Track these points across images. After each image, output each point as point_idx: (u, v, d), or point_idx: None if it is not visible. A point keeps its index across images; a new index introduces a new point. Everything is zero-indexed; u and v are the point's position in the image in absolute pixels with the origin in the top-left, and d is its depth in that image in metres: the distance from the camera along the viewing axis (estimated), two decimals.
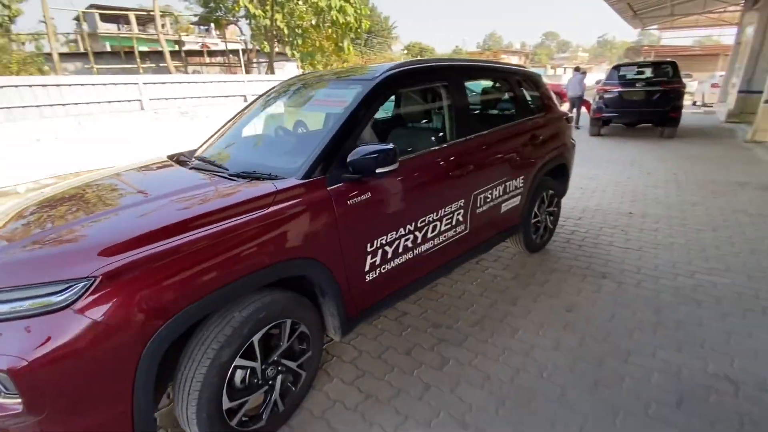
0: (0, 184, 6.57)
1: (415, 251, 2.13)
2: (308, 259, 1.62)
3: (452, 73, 2.38)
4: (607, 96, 8.75)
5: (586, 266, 3.08)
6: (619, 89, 8.58)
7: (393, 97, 2.96)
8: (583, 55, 77.49)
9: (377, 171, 1.70)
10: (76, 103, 7.66)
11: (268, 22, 12.35)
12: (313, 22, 12.88)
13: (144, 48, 22.32)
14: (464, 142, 2.35)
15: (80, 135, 7.50)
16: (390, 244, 1.96)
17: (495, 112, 3.28)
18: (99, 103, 7.97)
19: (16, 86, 6.98)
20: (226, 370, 1.44)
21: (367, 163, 1.69)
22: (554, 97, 3.47)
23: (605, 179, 5.58)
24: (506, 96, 3.14)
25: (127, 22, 27.37)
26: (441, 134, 2.42)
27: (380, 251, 1.92)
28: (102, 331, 1.17)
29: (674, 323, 2.33)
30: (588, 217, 4.16)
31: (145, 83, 8.55)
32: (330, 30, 13.18)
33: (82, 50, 18.49)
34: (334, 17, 12.23)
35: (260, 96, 2.68)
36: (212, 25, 22.39)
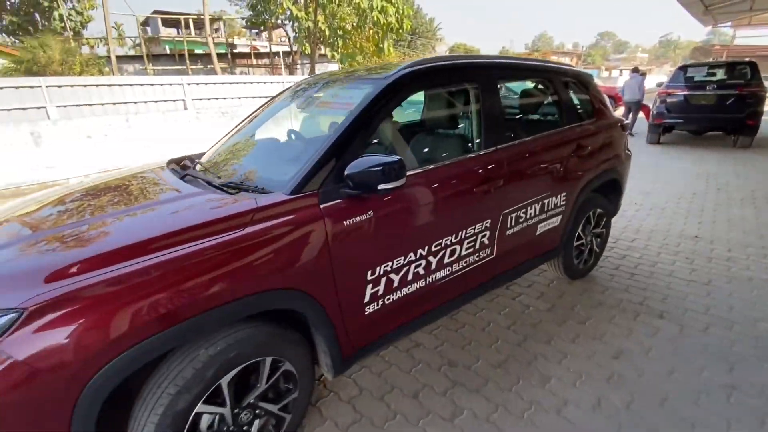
0: (54, 177, 7.01)
1: (427, 279, 1.83)
2: (291, 290, 1.37)
3: (483, 73, 2.05)
4: (670, 100, 7.87)
5: (639, 301, 2.61)
6: (686, 92, 7.68)
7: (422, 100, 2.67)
8: (643, 55, 72.48)
9: (379, 188, 1.43)
10: (125, 102, 8.04)
11: (310, 24, 12.45)
12: (355, 23, 12.83)
13: (199, 51, 23.56)
14: (494, 152, 2.01)
15: (128, 132, 7.85)
16: (396, 271, 1.68)
17: (535, 117, 2.88)
18: (146, 102, 8.32)
19: (71, 86, 7.42)
20: (184, 420, 1.22)
21: (367, 178, 1.43)
22: (607, 101, 3.02)
23: (665, 194, 4.92)
24: (549, 99, 2.74)
25: (186, 26, 29.04)
26: (467, 143, 2.10)
27: (384, 279, 1.64)
28: (27, 373, 0.99)
29: (756, 388, 1.85)
30: (643, 239, 3.62)
31: (188, 84, 8.84)
32: (371, 31, 13.06)
33: (145, 53, 19.88)
34: (375, 18, 12.08)
35: (274, 96, 2.50)
36: (262, 28, 23.19)
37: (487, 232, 2.02)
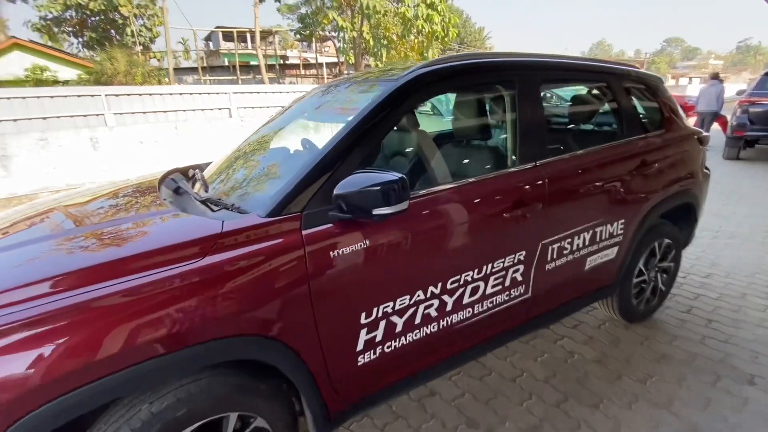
0: (108, 180, 7.44)
1: (441, 323, 1.49)
2: (257, 337, 1.11)
3: (521, 74, 1.70)
4: (754, 110, 6.86)
5: (719, 358, 2.07)
6: None
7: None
8: (716, 62, 66.32)
9: (374, 213, 1.14)
10: (175, 111, 8.42)
11: (355, 34, 12.54)
12: (399, 32, 12.75)
13: (254, 62, 24.86)
14: (533, 169, 1.65)
15: (176, 139, 8.20)
16: (400, 312, 1.37)
17: (587, 128, 2.45)
18: (194, 111, 8.67)
19: (128, 95, 7.89)
20: None
21: (361, 200, 1.14)
22: (680, 108, 2.52)
23: (748, 220, 4.16)
24: (606, 106, 2.31)
25: (244, 40, 30.81)
26: (498, 157, 1.75)
27: (383, 323, 1.34)
28: None
29: None
30: (720, 275, 3.00)
31: (234, 93, 9.11)
32: (416, 40, 12.90)
33: (206, 65, 21.33)
34: (420, 26, 11.90)
35: (294, 101, 2.30)
36: (313, 39, 23.98)
37: (521, 267, 1.65)
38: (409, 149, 2.02)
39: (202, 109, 8.75)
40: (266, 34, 25.70)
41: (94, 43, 17.20)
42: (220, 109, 8.97)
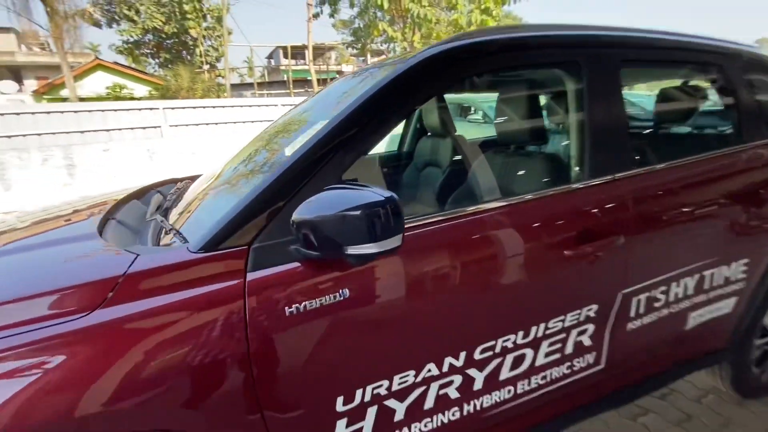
0: None
1: (466, 407, 1.03)
2: None
3: (590, 52, 1.20)
4: None
5: None
6: None
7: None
8: None
9: (349, 252, 0.73)
10: (225, 123, 8.71)
11: (406, 45, 12.33)
12: None
13: (311, 77, 25.94)
14: (610, 184, 1.14)
15: (227, 149, 8.44)
16: (399, 394, 0.93)
17: (685, 129, 1.85)
18: (244, 122, 8.92)
19: (183, 108, 8.28)
20: None
21: (329, 231, 0.74)
22: None
23: None
24: (712, 101, 1.71)
25: (303, 57, 32.33)
26: (557, 169, 1.25)
27: (373, 410, 0.91)
28: None
29: None
30: None
31: (283, 105, 9.25)
32: None
33: (266, 80, 22.59)
34: None
35: (304, 101, 2.00)
36: (368, 55, 24.42)
37: (590, 326, 1.14)
38: (435, 159, 1.59)
39: (252, 121, 8.97)
40: (323, 50, 26.65)
41: (168, 63, 18.79)
42: (268, 121, 9.15)
